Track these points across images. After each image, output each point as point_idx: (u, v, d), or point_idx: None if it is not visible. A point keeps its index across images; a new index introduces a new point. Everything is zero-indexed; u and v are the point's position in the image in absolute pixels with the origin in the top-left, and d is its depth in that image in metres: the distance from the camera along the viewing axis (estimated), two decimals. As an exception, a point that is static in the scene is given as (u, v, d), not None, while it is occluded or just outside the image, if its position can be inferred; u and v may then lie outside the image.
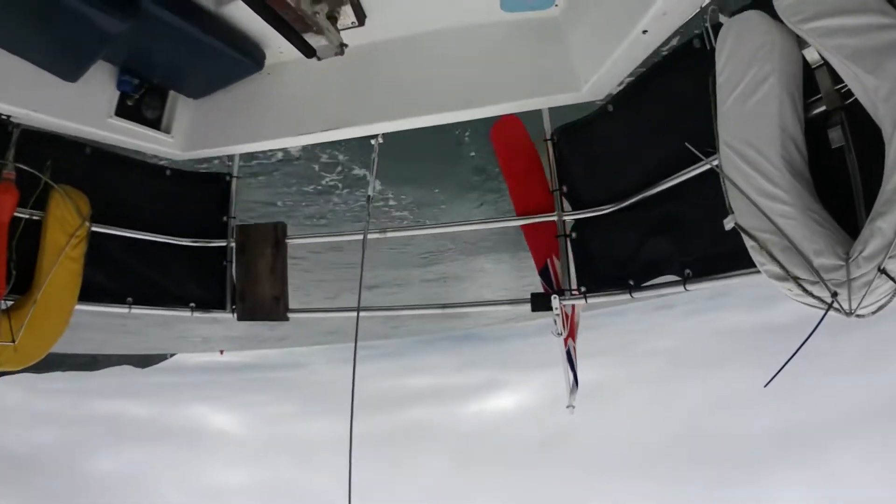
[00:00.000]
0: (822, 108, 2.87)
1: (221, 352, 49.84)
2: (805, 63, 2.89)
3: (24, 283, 4.67)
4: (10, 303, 4.58)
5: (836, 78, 2.71)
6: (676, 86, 3.97)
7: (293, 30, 4.00)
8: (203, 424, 45.50)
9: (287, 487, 41.25)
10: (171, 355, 51.63)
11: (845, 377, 32.81)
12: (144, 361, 49.41)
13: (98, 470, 41.03)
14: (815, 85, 2.89)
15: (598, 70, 4.05)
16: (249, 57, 4.92)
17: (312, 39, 4.17)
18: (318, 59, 4.35)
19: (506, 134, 5.57)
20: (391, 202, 15.42)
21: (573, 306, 4.98)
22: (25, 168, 4.69)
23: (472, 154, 12.83)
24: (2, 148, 4.63)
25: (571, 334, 5.03)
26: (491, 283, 25.22)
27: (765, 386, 2.96)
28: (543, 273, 5.18)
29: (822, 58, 2.75)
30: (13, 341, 4.40)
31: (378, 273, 20.19)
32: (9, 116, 4.60)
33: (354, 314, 5.21)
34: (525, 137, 5.49)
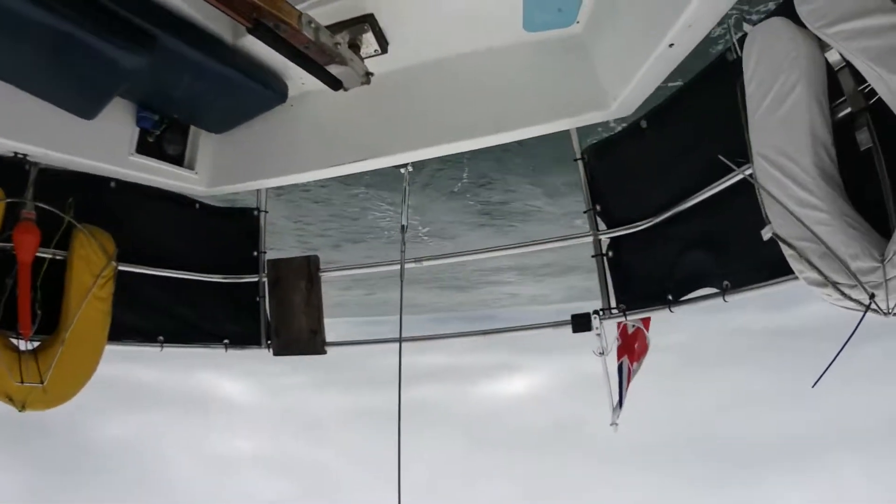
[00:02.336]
0: (848, 110, 2.89)
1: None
2: (828, 66, 2.92)
3: (49, 323, 4.66)
4: (36, 343, 4.59)
5: (859, 79, 2.74)
6: (708, 98, 3.96)
7: (316, 63, 4.00)
8: (212, 392, 45.38)
9: (294, 459, 41.39)
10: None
11: (857, 387, 32.88)
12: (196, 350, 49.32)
13: (104, 435, 41.02)
14: (838, 86, 2.91)
15: (627, 86, 4.07)
16: (271, 89, 4.93)
17: (336, 70, 4.18)
18: (345, 90, 4.35)
19: None
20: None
21: (637, 327, 5.00)
22: (47, 207, 4.69)
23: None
24: (20, 188, 4.60)
25: (629, 352, 5.08)
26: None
27: (812, 386, 2.91)
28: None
29: (844, 59, 2.78)
30: (42, 382, 4.41)
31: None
32: (25, 155, 4.59)
33: (396, 344, 5.32)
34: None
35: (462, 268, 23.43)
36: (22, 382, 4.32)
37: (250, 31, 3.49)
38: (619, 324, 4.98)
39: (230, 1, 3.31)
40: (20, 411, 4.47)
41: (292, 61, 3.85)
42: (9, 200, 4.42)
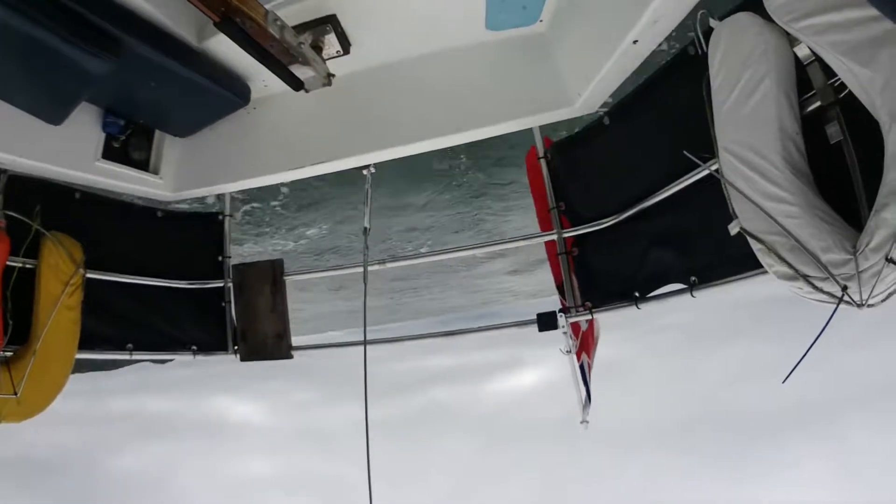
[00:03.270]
0: (818, 104, 2.89)
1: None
2: (796, 60, 2.92)
3: (21, 332, 4.63)
4: (8, 354, 4.56)
5: (829, 73, 2.75)
6: (673, 94, 3.96)
7: (280, 63, 3.98)
8: (225, 416, 45.51)
9: (312, 475, 41.49)
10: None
11: (861, 350, 32.81)
12: (164, 357, 49.38)
13: (120, 468, 41.08)
14: (807, 81, 2.91)
15: (591, 83, 4.04)
16: (234, 92, 4.90)
17: (299, 71, 4.14)
18: (306, 91, 4.32)
19: (534, 157, 5.55)
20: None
21: (591, 321, 5.00)
22: (15, 215, 4.66)
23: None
24: None
25: (586, 349, 5.05)
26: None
27: (783, 382, 2.97)
28: (560, 288, 5.21)
29: (814, 53, 2.78)
30: (15, 394, 4.37)
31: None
32: None
33: (361, 347, 5.19)
34: None
35: (455, 273, 23.55)
36: None
37: (217, 26, 3.45)
38: (572, 324, 4.96)
39: (201, -6, 3.23)
40: None
41: (256, 58, 3.81)
42: None
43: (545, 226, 5.32)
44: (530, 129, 5.23)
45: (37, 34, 3.51)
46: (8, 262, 4.57)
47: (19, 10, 3.36)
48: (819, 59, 2.76)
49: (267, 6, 3.66)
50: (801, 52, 2.85)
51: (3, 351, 4.51)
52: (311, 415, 44.16)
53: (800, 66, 2.90)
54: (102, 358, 5.44)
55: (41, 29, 3.50)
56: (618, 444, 38.18)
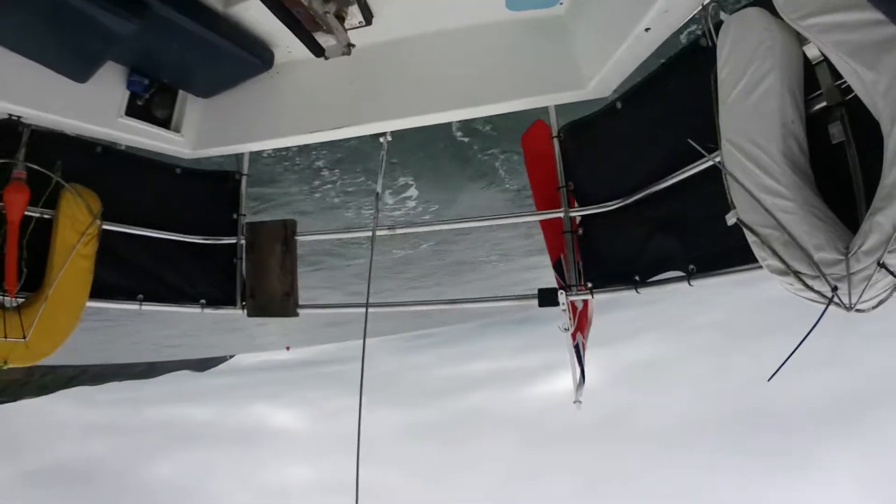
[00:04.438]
0: (823, 104, 2.89)
1: (287, 348, 50.03)
2: (806, 59, 2.91)
3: (34, 280, 4.74)
4: (21, 300, 4.65)
5: (837, 74, 2.72)
6: (682, 83, 3.99)
7: (304, 29, 4.07)
8: (264, 423, 45.72)
9: (349, 480, 41.36)
10: (230, 357, 52.01)
11: (892, 341, 32.16)
12: (202, 365, 49.19)
13: (156, 476, 41.31)
14: (815, 81, 2.91)
15: (603, 68, 4.10)
16: (258, 56, 4.97)
17: (321, 39, 4.24)
18: (326, 58, 4.42)
19: (533, 137, 5.66)
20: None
21: (585, 301, 5.04)
22: (36, 167, 4.76)
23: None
24: (12, 148, 4.69)
25: (581, 328, 5.08)
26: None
27: (768, 380, 3.04)
28: (557, 267, 5.24)
29: (822, 54, 2.77)
30: (24, 337, 4.47)
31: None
32: (19, 117, 4.66)
33: (363, 310, 5.20)
34: (549, 140, 5.51)
35: (486, 264, 23.53)
36: (5, 338, 4.39)
37: None
38: (570, 303, 4.97)
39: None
40: (2, 367, 4.54)
41: (283, 22, 3.92)
42: (1, 161, 4.55)
43: (542, 205, 5.39)
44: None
45: None
46: (27, 213, 4.68)
47: None
48: (827, 60, 2.75)
49: None
50: (811, 52, 2.86)
51: (16, 297, 4.61)
52: (348, 421, 44.03)
53: (809, 65, 2.90)
54: (112, 307, 5.50)
55: None
56: (654, 444, 38.00)
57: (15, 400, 36.02)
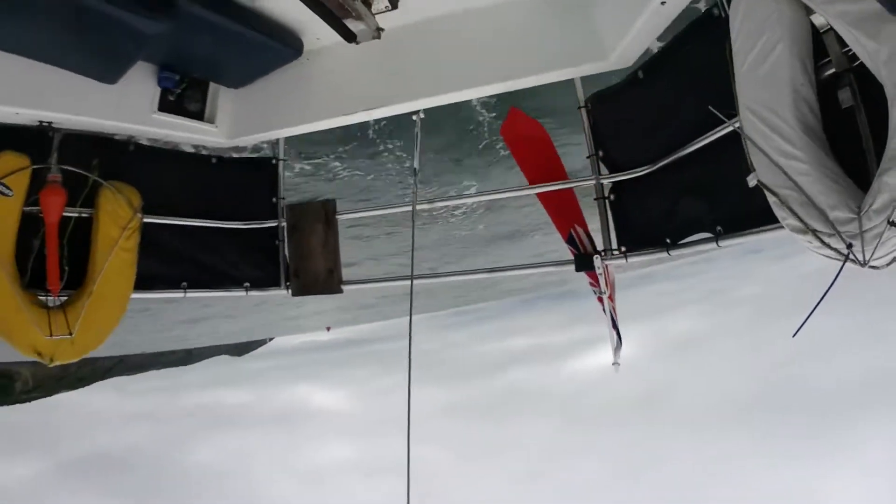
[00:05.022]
0: (832, 71, 3.00)
1: (328, 328, 50.09)
2: (814, 28, 3.01)
3: (76, 278, 4.91)
4: (64, 298, 4.83)
5: (843, 41, 2.83)
6: (699, 53, 4.09)
7: (335, 16, 4.19)
8: (306, 404, 45.69)
9: (392, 458, 41.39)
10: (269, 340, 52.20)
11: None
12: (241, 349, 49.77)
13: (196, 461, 41.43)
14: (824, 49, 3.01)
15: (623, 40, 4.26)
16: (288, 45, 5.13)
17: (351, 24, 4.37)
18: (357, 43, 4.56)
19: (511, 126, 5.88)
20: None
21: (606, 266, 5.11)
22: (72, 169, 4.91)
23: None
24: (44, 153, 4.82)
25: (611, 294, 5.18)
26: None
27: (793, 336, 3.13)
28: (570, 241, 5.33)
29: (829, 23, 2.86)
30: (70, 333, 4.63)
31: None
32: (49, 123, 4.81)
33: (406, 284, 5.38)
34: (530, 122, 5.79)
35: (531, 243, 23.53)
36: (51, 336, 4.53)
37: None
38: (604, 266, 5.09)
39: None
40: (49, 365, 4.71)
41: (314, 11, 4.01)
42: (35, 167, 4.64)
43: (536, 178, 5.56)
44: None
45: (90, 3, 3.70)
46: (65, 214, 4.83)
47: None
48: (833, 29, 2.84)
49: None
50: (818, 20, 2.95)
51: (59, 296, 4.78)
52: (391, 400, 44.20)
53: (817, 34, 3.00)
54: (158, 297, 5.68)
55: None
56: (691, 424, 37.64)
57: (51, 395, 36.44)
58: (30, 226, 4.67)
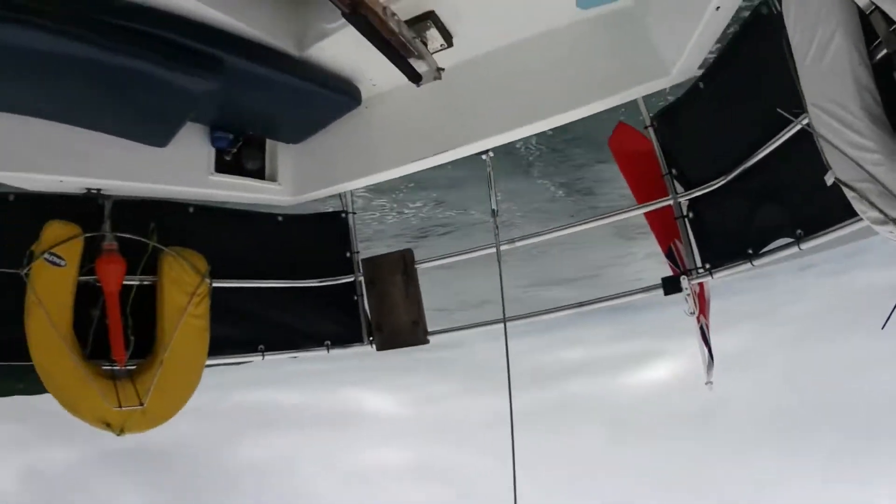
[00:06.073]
0: (884, 52, 2.96)
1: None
2: (859, 10, 2.99)
3: (144, 347, 4.91)
4: (131, 368, 4.83)
5: (889, 20, 2.82)
6: (755, 53, 4.07)
7: (401, 56, 4.15)
8: (355, 408, 45.40)
9: (443, 465, 41.39)
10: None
11: None
12: (298, 354, 49.47)
13: (241, 459, 41.51)
14: (872, 30, 2.97)
15: (683, 51, 4.24)
16: (345, 94, 5.14)
17: (415, 65, 4.33)
18: (419, 84, 4.48)
19: (619, 139, 5.76)
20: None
21: (700, 284, 5.10)
22: (128, 236, 4.92)
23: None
24: (97, 221, 4.83)
25: (702, 311, 5.17)
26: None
27: (882, 328, 3.10)
28: (669, 256, 5.34)
29: (873, 2, 2.84)
30: (141, 404, 4.63)
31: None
32: (99, 190, 4.85)
33: (501, 325, 5.41)
34: (637, 137, 5.61)
35: (585, 263, 23.45)
36: (120, 407, 4.53)
37: (346, 17, 3.54)
38: (691, 286, 5.02)
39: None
40: (118, 435, 4.68)
41: (381, 51, 3.94)
42: (87, 235, 4.65)
43: (642, 198, 5.45)
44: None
45: (136, 66, 3.76)
46: (126, 282, 4.83)
47: (116, 48, 3.61)
48: (878, 8, 2.82)
49: None
50: (861, 1, 2.92)
51: (127, 365, 4.76)
52: (444, 407, 44.03)
53: (863, 16, 2.96)
54: (234, 362, 5.75)
55: (140, 60, 3.75)
56: (742, 440, 37.27)
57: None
58: (88, 296, 4.67)
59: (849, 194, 3.03)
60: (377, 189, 13.44)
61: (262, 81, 4.52)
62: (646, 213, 5.47)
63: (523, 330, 5.80)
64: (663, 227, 5.37)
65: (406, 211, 15.67)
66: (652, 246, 5.56)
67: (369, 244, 15.47)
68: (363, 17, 3.58)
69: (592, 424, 42.38)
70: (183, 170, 5.09)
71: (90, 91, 4.02)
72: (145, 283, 4.99)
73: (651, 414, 40.89)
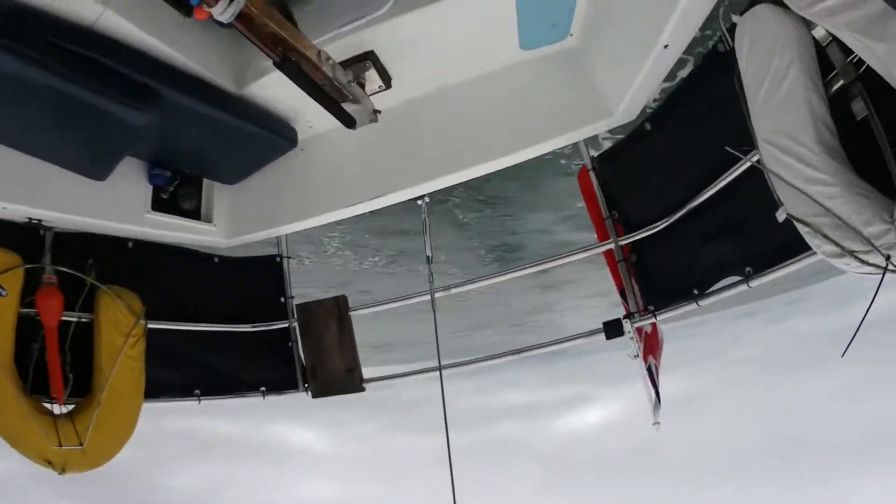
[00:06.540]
0: (840, 83, 2.99)
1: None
2: (815, 42, 3.02)
3: (82, 385, 4.76)
4: (70, 407, 4.68)
5: (847, 50, 2.85)
6: (707, 92, 4.10)
7: (334, 101, 4.06)
8: (287, 442, 45.26)
9: (373, 501, 41.36)
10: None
11: None
12: (233, 399, 49.30)
13: (176, 484, 41.17)
14: (828, 62, 3.00)
15: (628, 91, 4.21)
16: (281, 136, 5.05)
17: (349, 109, 4.23)
18: (355, 128, 4.38)
19: (584, 174, 5.66)
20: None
21: (653, 325, 5.06)
22: (67, 271, 4.79)
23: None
24: (38, 253, 4.70)
25: (652, 351, 5.13)
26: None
27: (842, 356, 3.00)
28: (622, 294, 5.29)
29: (830, 34, 2.88)
30: (81, 444, 4.48)
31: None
32: (39, 221, 4.70)
33: (437, 373, 5.39)
34: None
35: (510, 308, 23.50)
36: (60, 446, 4.39)
37: (277, 65, 3.49)
38: (637, 329, 5.01)
39: (259, 34, 3.33)
40: (60, 474, 4.52)
41: (313, 98, 3.86)
42: (27, 266, 4.51)
43: (603, 236, 5.40)
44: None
45: (73, 92, 3.62)
46: (64, 318, 4.69)
47: (55, 70, 3.47)
48: (836, 39, 2.84)
49: None
50: (818, 34, 2.95)
51: (66, 404, 4.62)
52: (374, 444, 43.98)
53: (819, 48, 3.00)
54: (170, 405, 5.57)
55: (77, 86, 3.61)
56: (681, 479, 37.75)
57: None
58: (28, 329, 4.50)
59: (802, 230, 3.03)
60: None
61: (199, 117, 4.42)
62: (605, 253, 5.42)
63: (459, 372, 5.73)
64: (616, 268, 5.33)
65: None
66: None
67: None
68: (295, 63, 3.54)
69: (528, 466, 42.57)
70: (121, 206, 4.96)
71: (32, 115, 3.91)
72: (83, 320, 4.86)
73: (586, 455, 41.22)
